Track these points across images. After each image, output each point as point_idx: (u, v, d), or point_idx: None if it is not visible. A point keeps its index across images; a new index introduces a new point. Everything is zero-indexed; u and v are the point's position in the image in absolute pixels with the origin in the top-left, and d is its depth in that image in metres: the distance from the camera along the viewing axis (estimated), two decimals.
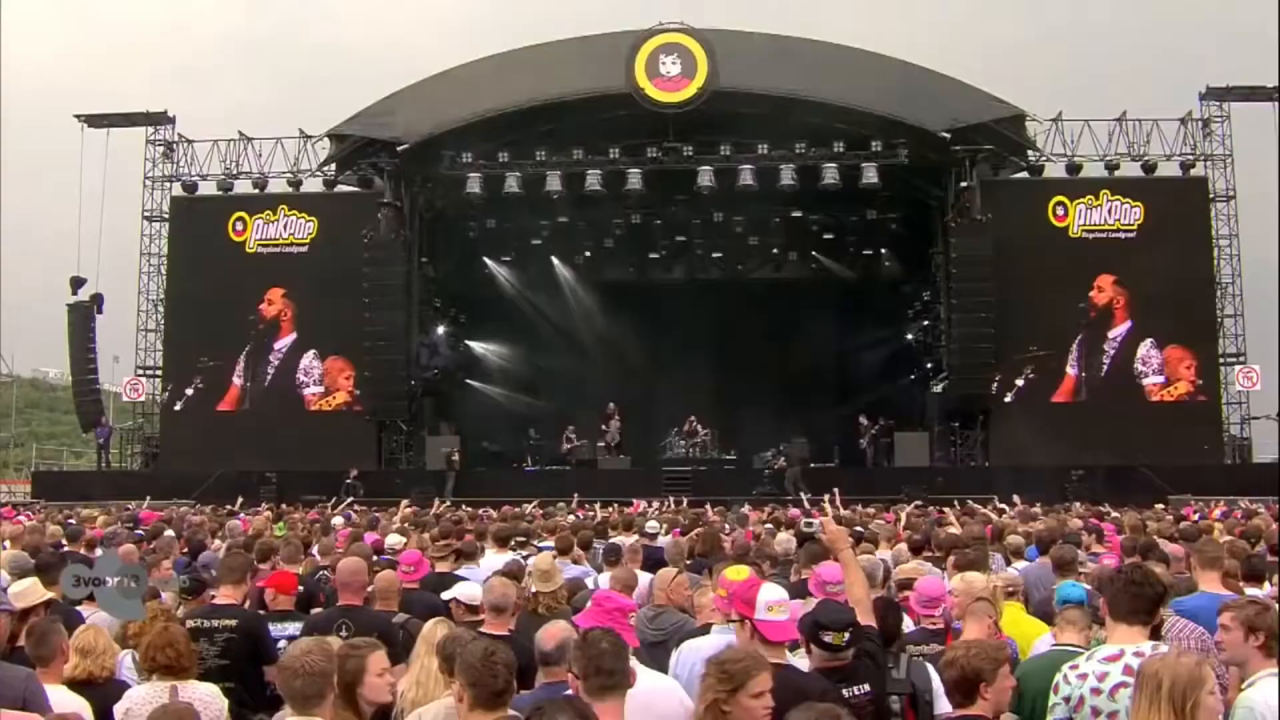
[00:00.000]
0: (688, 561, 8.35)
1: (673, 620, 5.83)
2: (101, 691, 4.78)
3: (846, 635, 4.13)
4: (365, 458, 28.84)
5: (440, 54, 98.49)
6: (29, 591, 5.44)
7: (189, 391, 30.75)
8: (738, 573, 4.81)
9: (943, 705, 4.35)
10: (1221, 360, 29.97)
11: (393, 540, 9.52)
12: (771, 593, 4.18)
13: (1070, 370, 29.38)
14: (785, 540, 8.73)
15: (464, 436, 30.27)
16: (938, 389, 30.68)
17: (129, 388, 32.06)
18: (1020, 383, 29.07)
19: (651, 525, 10.38)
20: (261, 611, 6.44)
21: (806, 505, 20.28)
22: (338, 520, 14.15)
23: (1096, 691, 4.04)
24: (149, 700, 4.44)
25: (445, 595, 6.20)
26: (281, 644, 5.73)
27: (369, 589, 6.42)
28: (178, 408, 30.88)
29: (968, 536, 8.93)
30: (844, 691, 4.14)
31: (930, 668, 4.46)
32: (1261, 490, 22.55)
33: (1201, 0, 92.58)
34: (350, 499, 22.48)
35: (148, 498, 22.78)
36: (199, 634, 5.56)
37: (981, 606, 5.15)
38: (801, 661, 4.40)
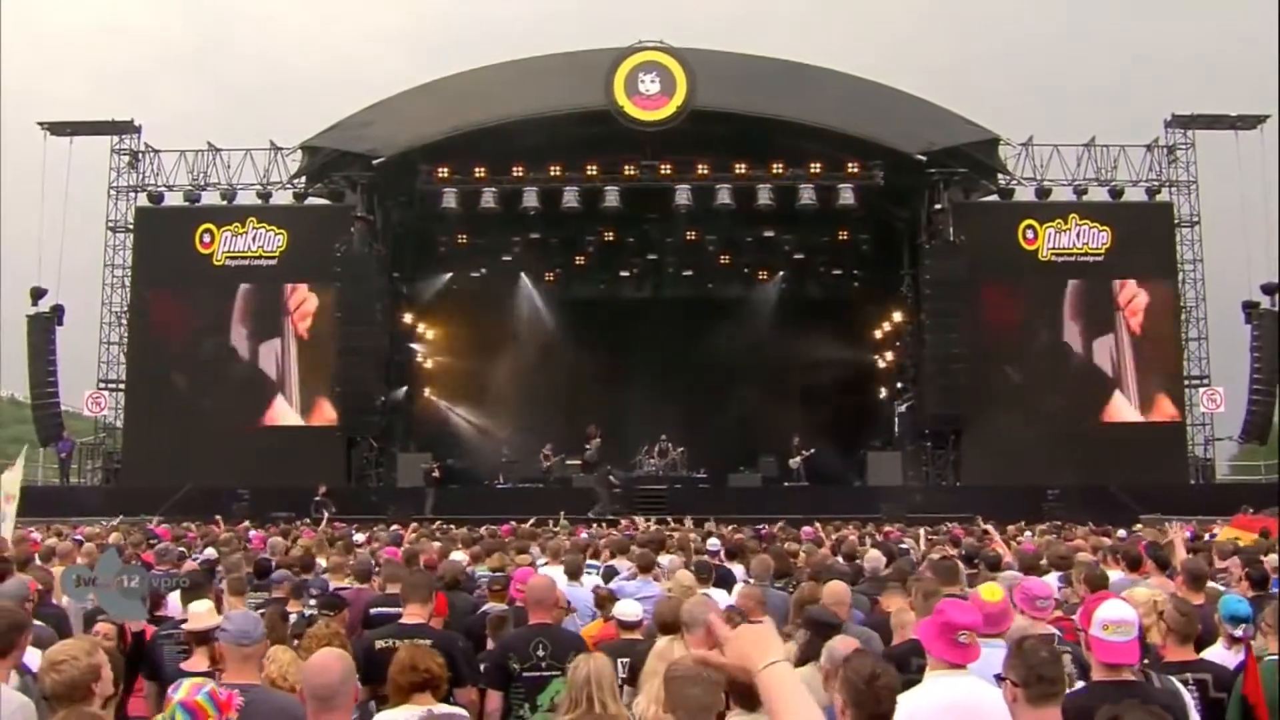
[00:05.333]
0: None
1: (861, 638, 5.66)
2: None
3: None
4: (334, 474, 28.22)
5: (383, 69, 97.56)
6: (208, 614, 5.36)
7: (149, 407, 30.09)
8: (992, 593, 4.76)
9: None
10: (1186, 382, 30.50)
11: (457, 557, 9.33)
12: (1110, 610, 4.10)
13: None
14: (875, 558, 8.70)
15: (433, 453, 29.93)
16: (902, 409, 30.91)
17: (90, 402, 31.21)
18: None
19: (713, 543, 10.29)
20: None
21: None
22: (359, 537, 13.89)
23: None
24: None
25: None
26: None
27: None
28: (137, 422, 30.22)
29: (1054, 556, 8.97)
30: None
31: (1181, 686, 4.40)
32: (1224, 510, 22.69)
33: (1168, 29, 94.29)
34: (323, 516, 21.99)
35: (120, 516, 21.98)
36: (389, 654, 5.19)
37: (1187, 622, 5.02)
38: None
